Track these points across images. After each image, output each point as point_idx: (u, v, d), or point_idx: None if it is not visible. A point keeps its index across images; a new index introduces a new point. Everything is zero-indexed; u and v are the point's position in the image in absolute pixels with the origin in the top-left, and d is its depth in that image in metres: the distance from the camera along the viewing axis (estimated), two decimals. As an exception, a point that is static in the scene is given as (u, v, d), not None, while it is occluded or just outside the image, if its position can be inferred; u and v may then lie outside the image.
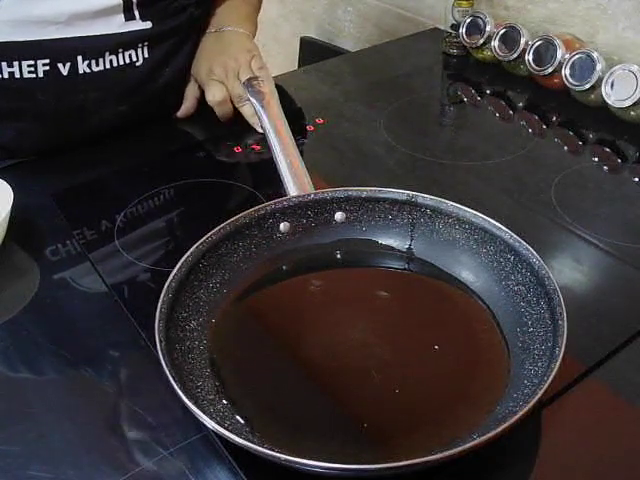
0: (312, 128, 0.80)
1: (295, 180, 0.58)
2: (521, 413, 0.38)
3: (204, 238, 0.51)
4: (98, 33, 0.70)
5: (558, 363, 0.41)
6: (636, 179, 0.70)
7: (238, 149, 0.76)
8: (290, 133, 0.64)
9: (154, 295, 0.46)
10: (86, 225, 0.64)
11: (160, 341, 0.43)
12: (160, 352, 0.43)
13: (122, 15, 0.71)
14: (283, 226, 0.56)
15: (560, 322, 0.43)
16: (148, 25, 0.73)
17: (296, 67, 1.30)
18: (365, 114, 0.84)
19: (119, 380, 0.48)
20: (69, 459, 0.43)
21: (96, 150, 0.77)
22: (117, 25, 0.71)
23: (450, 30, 0.98)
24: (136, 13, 0.71)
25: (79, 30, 0.68)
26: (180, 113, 0.83)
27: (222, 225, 0.53)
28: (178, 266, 0.49)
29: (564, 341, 0.42)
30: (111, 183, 0.71)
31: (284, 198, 0.56)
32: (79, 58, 0.69)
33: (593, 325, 0.51)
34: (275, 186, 0.60)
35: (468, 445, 0.37)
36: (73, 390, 0.48)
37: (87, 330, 0.53)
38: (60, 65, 0.69)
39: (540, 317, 0.46)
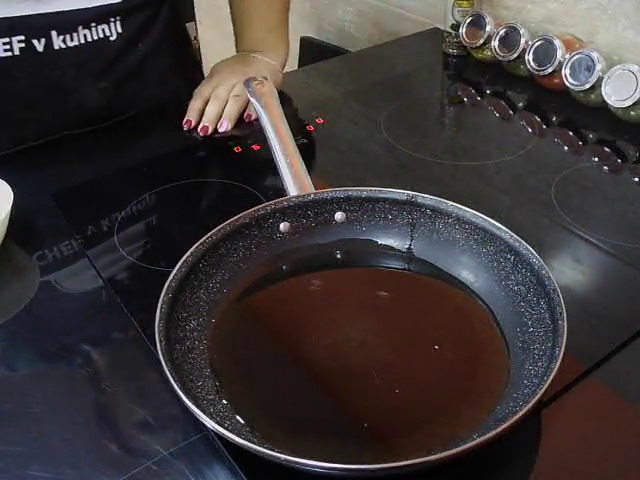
0: (312, 128, 0.80)
1: (295, 180, 0.58)
2: (521, 413, 0.38)
3: (204, 238, 0.51)
4: (69, 8, 0.70)
5: (558, 363, 0.40)
6: (636, 179, 0.70)
7: (238, 149, 0.76)
8: (290, 133, 0.64)
9: (154, 295, 0.46)
10: (86, 225, 0.64)
11: (160, 341, 0.43)
12: (160, 352, 0.43)
13: None
14: (283, 226, 0.56)
15: (560, 322, 0.43)
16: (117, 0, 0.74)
17: (296, 67, 1.30)
18: (365, 114, 0.84)
19: (119, 380, 0.48)
20: (69, 459, 0.43)
21: (96, 150, 0.77)
22: (87, 0, 0.71)
23: (450, 30, 0.98)
24: None
25: (51, 6, 0.69)
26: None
27: (222, 225, 0.53)
28: (178, 266, 0.49)
29: (564, 341, 0.42)
30: (111, 183, 0.71)
31: (284, 198, 0.56)
32: (53, 33, 0.70)
33: (593, 325, 0.51)
34: (275, 186, 0.60)
35: (468, 445, 0.37)
36: (73, 390, 0.48)
37: (87, 330, 0.53)
38: (35, 41, 0.69)
39: (540, 317, 0.46)
